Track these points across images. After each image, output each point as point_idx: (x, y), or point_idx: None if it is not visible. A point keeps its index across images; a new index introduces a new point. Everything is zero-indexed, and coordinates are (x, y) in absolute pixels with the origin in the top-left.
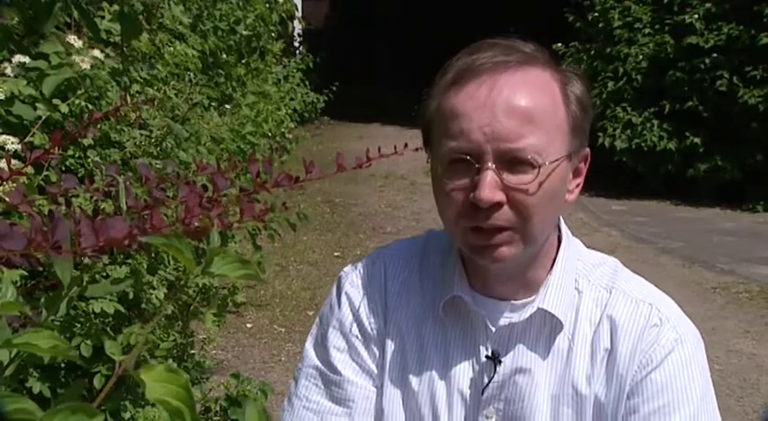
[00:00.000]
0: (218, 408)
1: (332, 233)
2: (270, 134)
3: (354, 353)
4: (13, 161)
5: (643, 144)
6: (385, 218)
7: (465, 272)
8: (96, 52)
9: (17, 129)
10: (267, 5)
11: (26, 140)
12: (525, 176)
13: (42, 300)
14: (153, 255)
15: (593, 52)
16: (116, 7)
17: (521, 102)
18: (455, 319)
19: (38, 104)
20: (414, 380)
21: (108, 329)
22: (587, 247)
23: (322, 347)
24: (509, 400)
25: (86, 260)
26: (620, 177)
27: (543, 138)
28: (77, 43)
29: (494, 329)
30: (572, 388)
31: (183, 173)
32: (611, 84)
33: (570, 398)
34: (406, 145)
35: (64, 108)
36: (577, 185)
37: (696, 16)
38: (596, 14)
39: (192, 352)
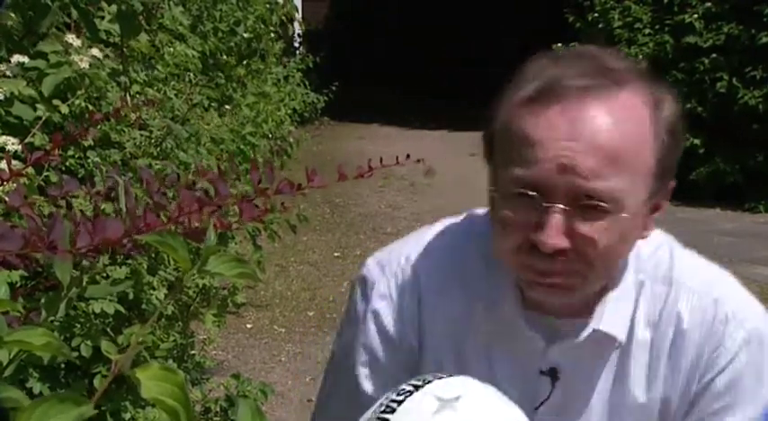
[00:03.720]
0: (218, 409)
1: (332, 233)
2: (270, 135)
3: (384, 372)
4: (13, 162)
5: None
6: (385, 218)
7: (515, 283)
8: (95, 51)
9: (17, 129)
10: (267, 6)
11: (26, 141)
12: (598, 224)
13: (42, 300)
14: (153, 255)
15: None
16: (115, 7)
17: (606, 138)
18: (502, 336)
19: (37, 105)
20: None
21: (108, 330)
22: None
23: (349, 364)
24: (562, 416)
25: (85, 262)
26: None
27: (626, 182)
28: (76, 42)
29: (546, 345)
30: (631, 396)
31: (183, 175)
32: None
33: (628, 407)
34: (408, 156)
35: (64, 109)
36: (652, 219)
37: (696, 16)
38: (596, 14)
39: (193, 352)
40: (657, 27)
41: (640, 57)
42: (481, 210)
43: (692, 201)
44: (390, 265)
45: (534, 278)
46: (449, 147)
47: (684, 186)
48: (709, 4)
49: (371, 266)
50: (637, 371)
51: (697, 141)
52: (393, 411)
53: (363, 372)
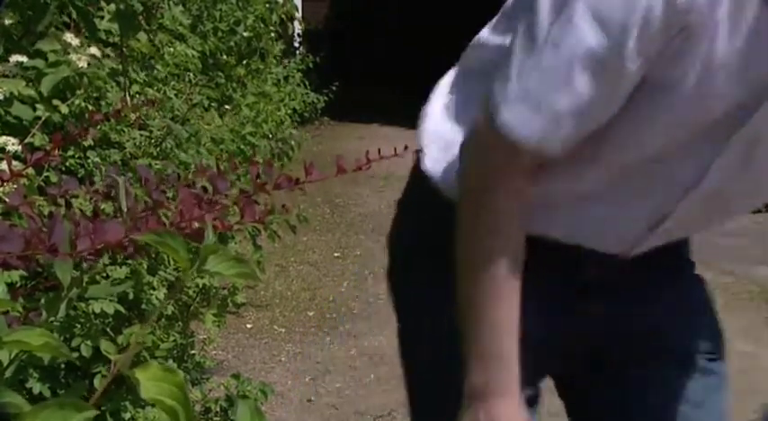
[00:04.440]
0: (218, 409)
1: (332, 233)
2: (270, 135)
3: (650, 50)
4: (13, 162)
5: None
6: (385, 218)
7: None
8: (94, 51)
9: (17, 129)
10: (267, 6)
11: (26, 141)
12: None
13: (42, 300)
14: (153, 255)
15: None
16: (114, 6)
17: None
18: None
19: (37, 105)
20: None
21: (108, 330)
22: None
23: (617, 40)
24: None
25: (84, 264)
26: None
27: None
28: (75, 42)
29: None
30: None
31: (183, 174)
32: None
33: None
34: (406, 147)
35: (64, 109)
36: None
37: None
38: None
39: (193, 352)
40: None
41: None
42: None
43: None
44: None
45: None
46: None
47: None
48: None
49: None
50: None
51: None
52: None
53: (633, 49)
